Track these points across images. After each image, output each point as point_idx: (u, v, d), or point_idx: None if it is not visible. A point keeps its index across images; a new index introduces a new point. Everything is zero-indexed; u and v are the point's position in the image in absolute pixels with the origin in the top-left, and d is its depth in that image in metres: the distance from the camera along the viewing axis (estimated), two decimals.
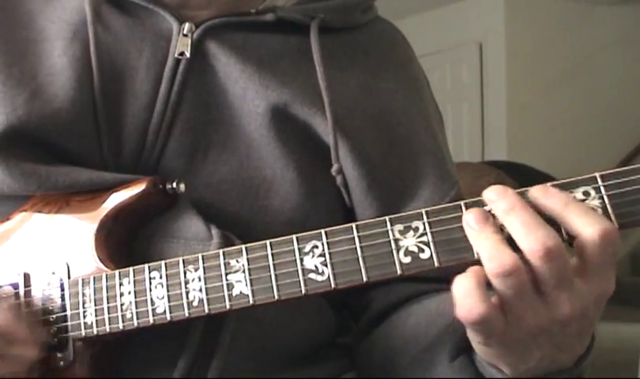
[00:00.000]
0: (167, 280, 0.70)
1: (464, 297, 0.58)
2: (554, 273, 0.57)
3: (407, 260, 0.62)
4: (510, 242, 0.58)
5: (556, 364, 0.64)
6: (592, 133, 5.96)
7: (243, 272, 0.67)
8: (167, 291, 0.70)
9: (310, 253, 0.65)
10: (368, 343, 0.88)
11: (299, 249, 0.65)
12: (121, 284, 0.72)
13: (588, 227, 0.57)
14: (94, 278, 0.73)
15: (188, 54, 0.82)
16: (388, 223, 0.63)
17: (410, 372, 0.78)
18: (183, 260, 0.69)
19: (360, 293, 0.87)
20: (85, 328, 0.73)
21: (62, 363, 0.74)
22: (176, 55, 0.82)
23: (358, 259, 0.63)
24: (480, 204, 0.60)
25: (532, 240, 0.57)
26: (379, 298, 0.86)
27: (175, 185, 0.77)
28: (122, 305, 0.71)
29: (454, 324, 0.68)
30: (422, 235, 0.61)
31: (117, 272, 0.72)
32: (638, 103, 6.08)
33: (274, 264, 0.66)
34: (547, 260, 0.56)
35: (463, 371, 0.70)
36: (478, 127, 6.09)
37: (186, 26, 0.83)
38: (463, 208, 0.61)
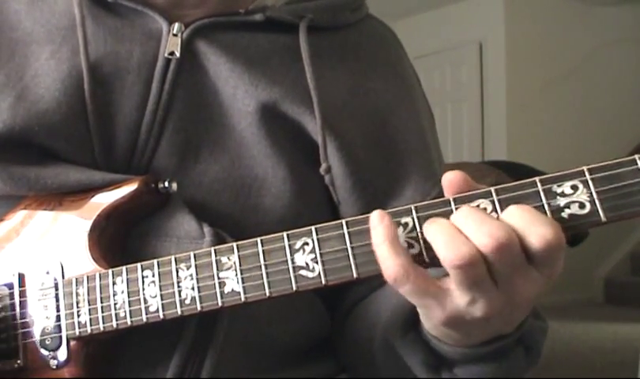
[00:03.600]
0: (159, 279, 0.70)
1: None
2: (506, 264, 0.58)
3: None
4: None
5: (497, 333, 0.66)
6: (592, 133, 5.96)
7: (235, 269, 0.67)
8: (160, 290, 0.70)
9: (301, 250, 0.65)
10: (343, 334, 0.88)
11: (290, 246, 0.65)
12: (114, 283, 0.72)
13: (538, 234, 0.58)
14: (87, 277, 0.73)
15: (178, 54, 0.82)
16: None
17: (379, 354, 0.79)
18: (175, 259, 0.70)
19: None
20: (79, 328, 0.73)
21: (55, 363, 0.74)
22: (166, 55, 0.82)
23: (348, 255, 0.63)
24: (470, 199, 0.61)
25: (483, 234, 0.57)
26: (348, 294, 0.87)
27: (167, 184, 0.77)
28: (115, 304, 0.72)
29: (402, 300, 0.68)
30: (411, 231, 0.62)
31: (110, 271, 0.73)
32: (638, 103, 6.08)
33: (265, 262, 0.66)
34: (498, 253, 0.57)
35: (414, 348, 0.71)
36: (478, 127, 6.10)
37: (176, 26, 0.83)
38: (452, 203, 0.61)
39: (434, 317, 0.62)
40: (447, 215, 0.61)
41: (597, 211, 0.58)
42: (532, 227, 0.57)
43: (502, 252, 0.57)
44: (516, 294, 0.60)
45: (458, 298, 0.60)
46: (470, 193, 0.61)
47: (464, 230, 0.58)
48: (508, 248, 0.57)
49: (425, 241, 0.61)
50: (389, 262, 0.59)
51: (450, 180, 0.62)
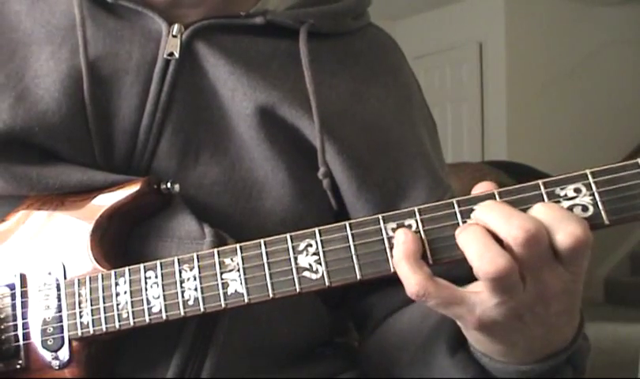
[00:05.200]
0: (162, 280, 0.70)
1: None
2: (534, 257, 0.57)
3: None
4: None
5: (549, 348, 0.65)
6: (592, 133, 5.96)
7: (238, 270, 0.67)
8: (163, 291, 0.70)
9: (304, 252, 0.65)
10: (369, 346, 0.88)
11: (293, 248, 0.65)
12: (117, 284, 0.72)
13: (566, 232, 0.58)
14: (90, 278, 0.73)
15: (177, 55, 0.82)
16: (381, 221, 0.63)
17: (411, 368, 0.79)
18: (178, 260, 0.70)
19: (360, 298, 0.88)
20: (82, 328, 0.73)
21: (57, 363, 0.74)
22: (165, 56, 0.82)
23: (352, 257, 0.63)
24: (472, 201, 0.61)
25: (513, 227, 0.57)
26: (380, 303, 0.87)
27: (169, 185, 0.77)
28: (118, 304, 0.72)
29: (446, 318, 0.68)
30: (415, 233, 0.62)
31: (113, 271, 0.73)
32: (638, 103, 6.08)
33: (268, 263, 0.66)
34: (528, 245, 0.57)
35: (465, 367, 0.70)
36: (478, 127, 6.10)
37: (175, 27, 0.83)
38: (455, 205, 0.61)
39: (467, 321, 0.62)
40: (451, 217, 0.61)
41: (600, 214, 0.58)
42: (561, 223, 0.57)
43: (531, 244, 0.57)
44: (545, 289, 0.59)
45: (486, 301, 0.60)
46: (472, 195, 0.61)
47: (491, 225, 0.58)
48: (537, 240, 0.57)
49: (429, 242, 0.61)
50: (409, 280, 0.60)
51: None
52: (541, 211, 0.58)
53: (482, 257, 0.57)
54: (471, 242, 0.58)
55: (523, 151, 5.35)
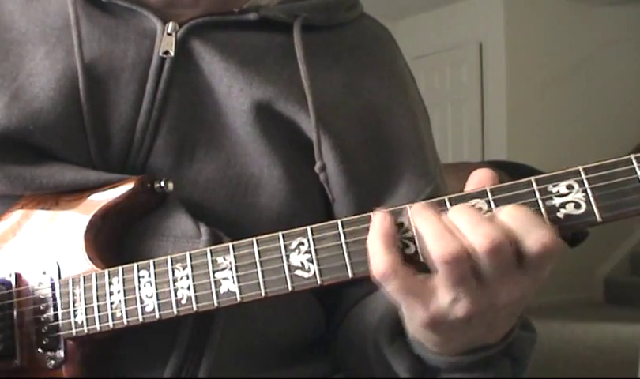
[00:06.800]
0: (155, 279, 0.70)
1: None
2: (496, 266, 0.58)
3: None
4: None
5: (482, 342, 0.66)
6: (592, 133, 5.96)
7: (230, 269, 0.67)
8: (156, 290, 0.70)
9: (296, 250, 0.65)
10: (339, 336, 0.88)
11: (285, 246, 0.65)
12: (110, 283, 0.72)
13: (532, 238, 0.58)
14: (84, 277, 0.73)
15: (172, 53, 0.82)
16: None
17: (372, 356, 0.79)
18: (171, 259, 0.70)
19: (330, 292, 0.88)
20: (76, 328, 0.73)
21: (52, 363, 0.74)
22: (160, 54, 0.82)
23: (343, 255, 0.63)
24: (464, 199, 0.61)
25: (479, 234, 0.57)
26: (344, 296, 0.87)
27: (162, 184, 0.77)
28: (111, 303, 0.72)
29: (390, 305, 0.69)
30: (406, 231, 0.62)
31: (106, 271, 0.73)
32: (639, 103, 6.08)
33: (260, 261, 0.66)
34: (492, 255, 0.57)
35: (401, 355, 0.72)
36: (478, 127, 6.10)
37: (170, 25, 0.83)
38: (447, 203, 0.61)
39: (417, 317, 0.62)
40: None
41: (593, 210, 0.58)
42: (529, 230, 0.57)
43: (495, 253, 0.57)
44: (500, 295, 0.60)
45: (442, 296, 0.60)
46: (465, 192, 0.61)
47: (460, 228, 0.58)
48: (501, 250, 0.57)
49: (421, 239, 0.61)
50: (379, 258, 0.60)
51: (480, 178, 0.62)
52: (510, 215, 0.58)
53: (436, 241, 0.58)
54: (428, 227, 0.59)
55: (523, 151, 5.35)
